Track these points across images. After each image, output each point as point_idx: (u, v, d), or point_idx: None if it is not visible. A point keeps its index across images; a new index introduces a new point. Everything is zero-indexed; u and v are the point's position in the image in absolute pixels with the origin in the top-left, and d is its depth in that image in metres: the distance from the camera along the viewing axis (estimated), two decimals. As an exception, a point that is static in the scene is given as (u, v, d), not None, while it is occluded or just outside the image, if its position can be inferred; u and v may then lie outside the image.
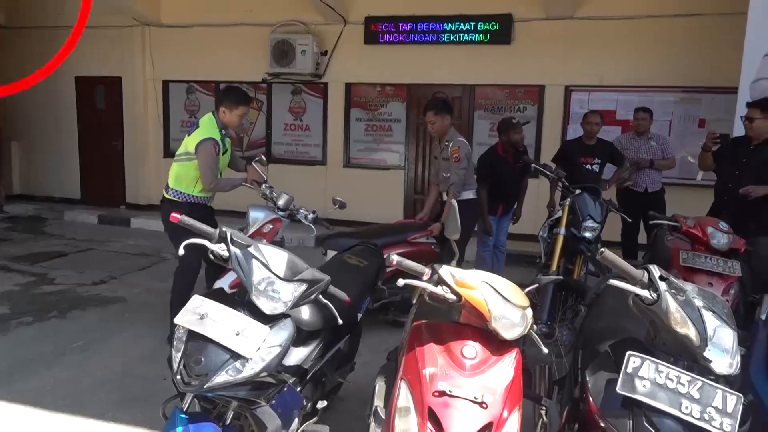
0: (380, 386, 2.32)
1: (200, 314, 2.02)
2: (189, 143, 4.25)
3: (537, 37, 7.78)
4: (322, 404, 2.70)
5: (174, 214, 2.18)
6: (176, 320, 2.03)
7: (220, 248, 2.11)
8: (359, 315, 3.04)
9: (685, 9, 7.16)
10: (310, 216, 4.45)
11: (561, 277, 3.66)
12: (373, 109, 8.74)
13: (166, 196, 4.36)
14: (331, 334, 2.69)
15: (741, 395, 1.66)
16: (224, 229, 2.12)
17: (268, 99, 9.16)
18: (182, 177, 4.28)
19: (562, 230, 3.98)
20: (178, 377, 1.96)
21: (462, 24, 7.95)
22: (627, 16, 7.40)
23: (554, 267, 3.89)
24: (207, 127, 4.24)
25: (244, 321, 2.03)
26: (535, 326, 2.04)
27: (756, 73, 6.10)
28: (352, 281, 2.96)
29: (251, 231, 4.24)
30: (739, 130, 6.07)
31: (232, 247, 2.09)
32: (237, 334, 1.99)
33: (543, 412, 2.48)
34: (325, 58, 8.64)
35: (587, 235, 4.00)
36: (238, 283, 4.24)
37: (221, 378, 1.95)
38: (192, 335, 2.02)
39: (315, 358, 2.60)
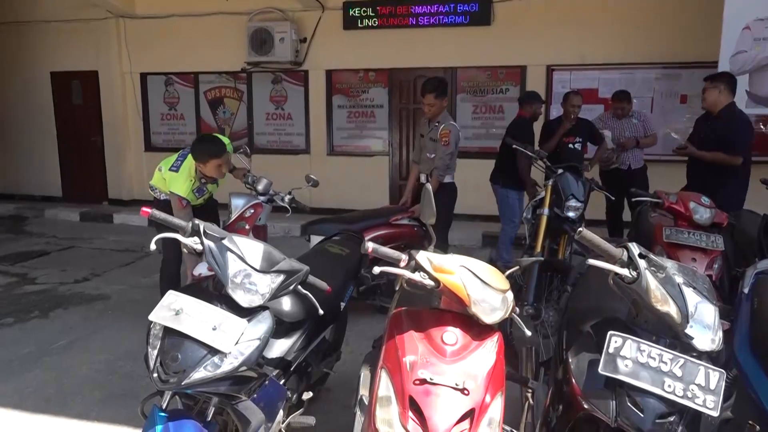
0: (365, 375, 2.28)
1: (175, 310, 1.98)
2: (160, 182, 4.27)
3: (517, 17, 7.71)
4: (307, 395, 2.67)
5: (144, 209, 2.13)
6: (151, 317, 1.98)
7: (193, 242, 2.05)
8: (342, 304, 3.00)
9: (663, -16, 7.13)
10: (287, 198, 4.55)
11: (541, 258, 3.65)
12: (355, 95, 8.65)
13: (152, 193, 4.42)
14: (314, 325, 2.66)
15: (723, 371, 1.65)
16: (197, 221, 2.07)
17: (248, 89, 9.04)
18: (161, 184, 4.32)
19: (546, 210, 3.97)
20: (155, 375, 1.92)
21: (441, 6, 7.86)
22: (605, -6, 7.36)
23: (539, 248, 3.88)
24: (181, 177, 4.12)
25: (220, 315, 1.99)
26: (517, 309, 2.02)
27: (735, 47, 6.11)
28: (334, 270, 2.92)
29: (233, 217, 4.26)
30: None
31: (205, 240, 2.04)
32: (214, 329, 1.95)
33: (529, 395, 2.47)
34: (305, 45, 8.52)
35: (570, 214, 3.99)
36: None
37: (199, 374, 1.91)
38: (168, 332, 1.97)
39: (298, 350, 2.56)
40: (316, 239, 4.44)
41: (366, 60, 8.41)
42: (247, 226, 4.25)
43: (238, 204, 4.35)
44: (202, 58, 8.94)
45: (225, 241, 2.07)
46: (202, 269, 3.74)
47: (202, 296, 2.05)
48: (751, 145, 4.74)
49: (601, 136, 6.03)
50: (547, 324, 3.64)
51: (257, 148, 9.07)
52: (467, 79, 8.23)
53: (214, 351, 1.93)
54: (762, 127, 7.37)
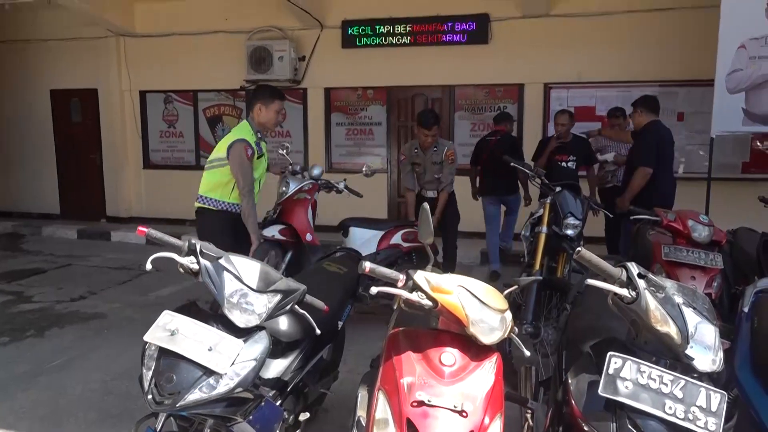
0: (362, 395, 2.25)
1: (171, 330, 1.96)
2: (220, 148, 4.09)
3: (514, 36, 7.78)
4: (304, 416, 2.64)
5: (140, 228, 2.11)
6: (146, 337, 1.97)
7: (189, 261, 2.04)
8: (340, 323, 2.98)
9: (658, 4, 7.20)
10: (342, 184, 5.22)
11: (540, 278, 3.63)
12: (354, 113, 8.69)
13: (200, 205, 4.20)
14: (311, 344, 2.63)
15: (725, 393, 1.63)
16: (193, 241, 2.06)
17: (247, 107, 9.04)
18: (216, 184, 4.13)
19: (544, 228, 3.96)
20: (149, 397, 1.90)
21: (439, 25, 7.92)
22: (602, 12, 7.43)
23: (537, 266, 3.86)
24: (239, 129, 4.13)
25: (216, 336, 1.97)
26: (516, 329, 2.00)
27: (731, 65, 6.14)
28: (332, 289, 2.90)
29: (290, 191, 4.90)
30: (716, 122, 6.12)
31: (201, 260, 2.03)
32: (209, 350, 1.93)
33: (529, 415, 2.44)
34: (303, 63, 8.58)
35: (569, 232, 3.98)
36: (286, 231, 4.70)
37: (194, 396, 1.89)
38: (163, 352, 1.96)
39: (295, 370, 2.53)
40: (354, 231, 5.00)
41: (364, 78, 8.46)
42: (308, 196, 4.90)
43: (293, 184, 4.96)
44: (201, 76, 8.99)
45: (221, 261, 2.06)
46: (274, 231, 4.69)
47: (198, 316, 2.04)
48: (663, 151, 5.18)
49: (595, 158, 6.19)
50: (546, 343, 3.62)
51: (256, 166, 9.08)
52: (465, 97, 8.27)
53: (209, 372, 1.92)
54: (759, 144, 7.41)
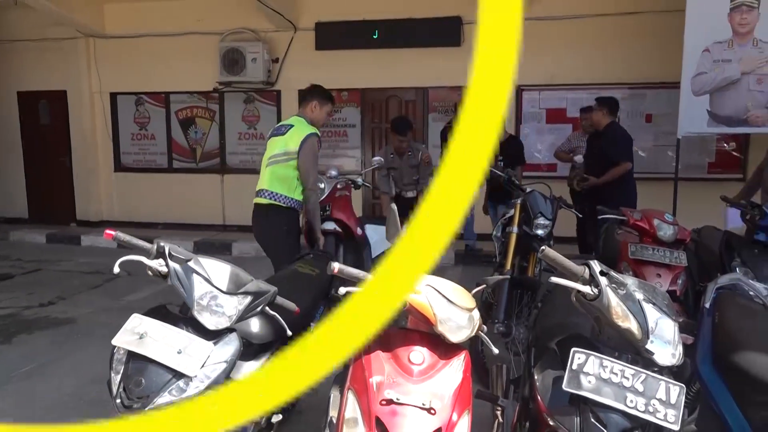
0: (334, 396, 2.27)
1: (139, 334, 1.95)
2: (289, 141, 3.97)
3: (486, 38, 7.84)
4: (277, 418, 2.64)
5: (108, 231, 2.10)
6: (114, 341, 1.95)
7: (158, 264, 2.03)
8: (313, 324, 2.99)
9: (627, 8, 7.35)
10: (360, 180, 5.48)
11: (507, 277, 3.67)
12: (327, 114, 8.66)
13: (268, 201, 4.03)
14: (283, 346, 2.64)
15: (683, 386, 1.68)
16: (161, 243, 2.05)
17: (220, 108, 9.03)
18: (283, 179, 4.01)
19: (515, 229, 4.00)
20: (118, 401, 1.90)
21: (412, 27, 7.97)
22: (572, 16, 7.56)
23: (508, 266, 3.90)
24: (303, 124, 4.07)
25: (186, 338, 1.97)
26: (484, 327, 2.03)
27: (696, 68, 6.30)
28: (304, 290, 2.91)
29: (328, 191, 5.08)
30: (682, 124, 6.27)
31: (170, 263, 2.02)
32: (179, 353, 1.93)
33: (499, 412, 2.49)
34: (277, 65, 8.56)
35: (539, 232, 4.03)
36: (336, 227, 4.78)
37: (163, 399, 1.89)
38: (132, 356, 1.95)
39: (267, 372, 2.53)
40: (369, 228, 5.19)
41: (338, 80, 8.44)
42: (347, 193, 5.23)
43: (326, 184, 5.15)
44: (173, 78, 8.90)
45: (191, 263, 2.05)
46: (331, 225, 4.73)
47: (168, 319, 2.03)
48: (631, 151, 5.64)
49: (524, 158, 6.55)
50: (517, 341, 3.66)
51: (229, 168, 9.05)
52: (439, 99, 8.33)
53: (179, 375, 1.91)
54: (726, 145, 7.61)
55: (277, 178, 4.01)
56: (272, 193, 4.02)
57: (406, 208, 5.50)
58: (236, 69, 8.29)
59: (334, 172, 5.36)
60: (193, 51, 8.68)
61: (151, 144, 9.37)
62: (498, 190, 6.17)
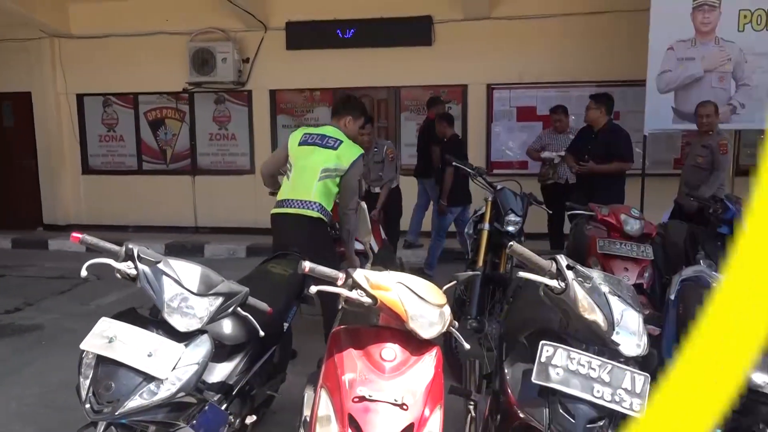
0: (309, 395, 2.27)
1: (109, 337, 1.93)
2: (342, 158, 3.74)
3: (457, 37, 7.91)
4: (251, 419, 2.63)
5: (74, 234, 2.07)
6: (83, 345, 1.93)
7: (126, 266, 2.01)
8: (286, 324, 2.98)
9: (594, 7, 7.47)
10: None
11: (477, 273, 3.72)
12: (300, 114, 8.66)
13: (314, 214, 3.73)
14: (256, 347, 2.63)
15: (648, 375, 1.73)
16: (130, 245, 2.03)
17: (190, 109, 8.92)
18: (330, 194, 3.81)
19: (486, 225, 4.05)
20: (87, 406, 1.87)
21: (383, 27, 7.98)
22: (540, 15, 7.65)
23: (480, 262, 3.95)
24: (350, 141, 3.87)
25: (156, 341, 1.95)
26: (455, 323, 2.06)
27: (661, 66, 6.45)
28: (276, 291, 2.90)
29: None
30: (648, 121, 6.41)
31: (139, 265, 2.01)
32: (149, 355, 1.91)
33: (472, 407, 2.51)
34: (248, 65, 8.49)
35: (510, 228, 4.08)
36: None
37: (134, 402, 1.87)
38: (101, 360, 1.93)
39: (240, 373, 2.53)
40: None
41: (310, 80, 8.44)
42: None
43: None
44: (141, 79, 8.77)
45: (160, 265, 2.03)
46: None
47: (138, 322, 2.01)
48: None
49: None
50: (490, 337, 3.70)
51: (200, 169, 8.95)
52: (410, 98, 8.37)
53: (150, 378, 1.90)
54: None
55: (326, 193, 3.80)
56: (322, 207, 3.77)
57: (374, 203, 5.76)
58: (206, 69, 8.20)
59: None
60: (162, 51, 8.56)
61: (120, 146, 9.22)
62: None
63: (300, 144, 3.87)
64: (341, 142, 3.82)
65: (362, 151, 3.88)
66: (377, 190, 5.91)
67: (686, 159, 5.77)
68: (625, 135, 5.55)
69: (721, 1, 6.20)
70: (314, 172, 3.77)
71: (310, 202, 3.74)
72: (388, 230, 5.71)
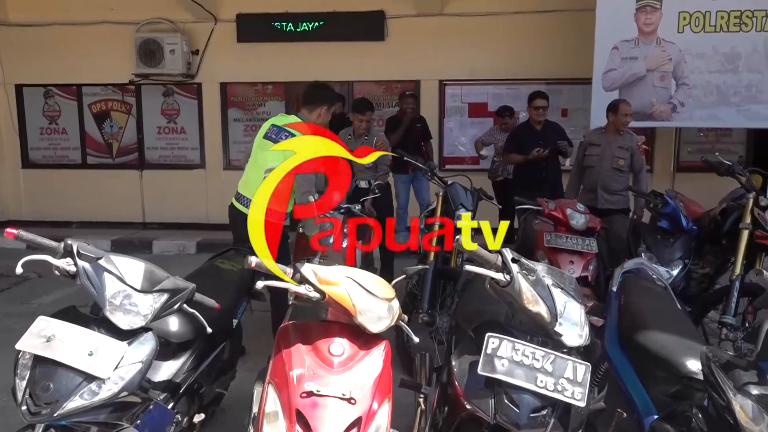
0: (258, 392, 2.25)
1: (47, 336, 1.87)
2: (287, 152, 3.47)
3: (409, 33, 7.94)
4: (199, 417, 2.59)
5: (8, 230, 1.99)
6: (18, 345, 1.86)
7: (65, 263, 1.94)
8: (235, 321, 2.94)
9: (542, 5, 7.60)
10: (357, 208, 4.63)
11: (427, 267, 3.75)
12: (251, 108, 8.54)
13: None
14: (204, 344, 2.59)
15: (589, 364, 1.78)
16: (69, 241, 1.96)
17: (137, 102, 8.66)
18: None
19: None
20: (24, 408, 1.81)
21: (335, 21, 7.94)
22: (491, 13, 7.74)
23: (432, 256, 3.99)
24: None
25: (97, 339, 1.90)
26: (405, 316, 2.07)
27: (606, 65, 6.64)
28: (225, 287, 2.86)
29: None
30: (595, 118, 6.58)
31: (79, 261, 1.94)
32: (90, 354, 1.86)
33: (421, 400, 2.54)
34: (197, 57, 8.30)
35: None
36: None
37: (74, 403, 1.82)
38: (39, 360, 1.86)
39: (188, 371, 2.48)
40: None
41: (261, 73, 8.32)
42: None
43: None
44: (85, 70, 8.46)
45: (101, 261, 1.98)
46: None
47: (77, 320, 1.95)
48: None
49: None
50: (441, 330, 3.75)
51: (148, 164, 8.73)
52: (363, 93, 8.32)
53: (91, 378, 1.85)
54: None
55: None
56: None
57: (359, 196, 5.13)
58: (154, 61, 7.98)
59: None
60: (107, 41, 8.27)
61: (63, 139, 8.88)
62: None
63: (264, 136, 3.78)
64: (292, 136, 3.67)
65: None
66: (362, 184, 5.38)
67: (587, 161, 5.19)
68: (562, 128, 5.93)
69: (662, 3, 6.43)
70: (260, 171, 3.67)
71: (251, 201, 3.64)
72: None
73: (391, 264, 5.55)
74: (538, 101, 5.78)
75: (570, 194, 5.28)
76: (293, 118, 3.79)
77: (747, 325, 3.60)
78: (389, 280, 2.08)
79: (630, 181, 5.08)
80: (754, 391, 1.61)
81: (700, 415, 1.80)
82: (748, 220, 3.59)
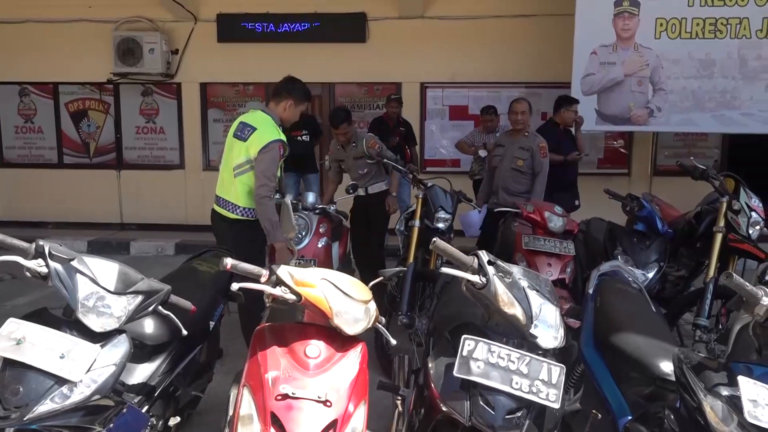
0: (234, 394, 2.23)
1: (17, 339, 1.84)
2: (251, 149, 3.51)
3: (391, 35, 7.95)
4: (174, 421, 2.56)
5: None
6: (-14, 349, 1.82)
7: (36, 264, 1.91)
8: (212, 323, 2.92)
9: (522, 10, 7.67)
10: (333, 208, 4.92)
11: (405, 269, 3.76)
12: (232, 109, 8.48)
13: (238, 217, 3.61)
14: (180, 346, 2.56)
15: (563, 366, 1.79)
16: (41, 242, 1.93)
17: (115, 101, 8.55)
18: (250, 193, 3.57)
19: (417, 222, 4.10)
20: (-8, 412, 1.76)
21: (316, 22, 7.92)
22: (472, 16, 7.79)
23: (411, 258, 4.00)
24: (267, 126, 3.56)
25: (69, 342, 1.87)
26: (382, 318, 2.07)
27: (585, 69, 6.72)
28: (201, 289, 2.84)
29: (305, 243, 4.53)
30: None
31: (51, 262, 1.91)
32: (62, 357, 1.83)
33: (399, 402, 2.54)
34: (177, 57, 8.23)
35: (440, 225, 4.16)
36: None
37: (45, 407, 1.78)
38: (8, 363, 1.83)
39: (163, 373, 2.45)
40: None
41: (242, 73, 8.28)
42: (329, 241, 4.70)
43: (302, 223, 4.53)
44: (62, 68, 8.33)
45: (74, 263, 1.95)
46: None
47: (49, 323, 1.92)
48: None
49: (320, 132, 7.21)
50: (420, 332, 3.75)
51: (126, 164, 8.62)
52: (345, 95, 8.35)
53: (62, 381, 1.82)
54: (614, 142, 8.16)
55: (248, 192, 3.60)
56: (244, 209, 3.62)
57: (358, 204, 5.17)
58: (132, 60, 7.88)
59: (311, 199, 4.83)
60: (84, 39, 8.16)
61: (39, 138, 8.74)
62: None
63: (234, 135, 3.73)
64: (254, 130, 3.57)
65: (277, 137, 3.55)
66: (360, 192, 5.10)
67: (494, 161, 5.10)
68: None
69: (640, 9, 6.52)
70: (230, 170, 3.63)
71: (228, 202, 3.65)
72: (373, 239, 5.10)
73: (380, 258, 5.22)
74: (575, 106, 5.82)
75: (481, 197, 5.22)
76: (259, 114, 3.70)
77: (720, 326, 3.67)
78: (367, 282, 2.08)
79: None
80: (724, 392, 1.63)
81: (673, 416, 1.83)
82: (721, 223, 3.66)
